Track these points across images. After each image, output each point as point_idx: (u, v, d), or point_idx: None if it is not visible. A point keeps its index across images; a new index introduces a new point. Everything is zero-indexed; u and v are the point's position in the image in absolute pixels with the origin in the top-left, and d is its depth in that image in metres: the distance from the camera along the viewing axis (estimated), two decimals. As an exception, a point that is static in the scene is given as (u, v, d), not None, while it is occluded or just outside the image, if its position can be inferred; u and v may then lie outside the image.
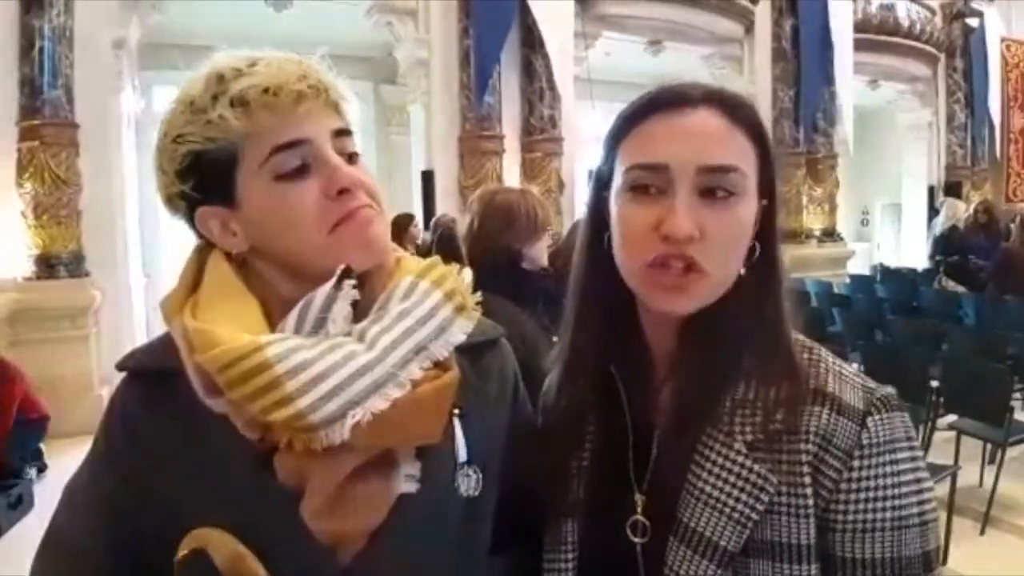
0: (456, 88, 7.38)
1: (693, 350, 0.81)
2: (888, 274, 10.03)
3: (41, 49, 5.45)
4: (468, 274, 0.86)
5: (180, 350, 0.75)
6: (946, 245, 8.26)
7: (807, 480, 0.74)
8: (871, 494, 0.74)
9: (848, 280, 9.58)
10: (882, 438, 0.75)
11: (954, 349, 5.33)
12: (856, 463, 0.74)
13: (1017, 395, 4.63)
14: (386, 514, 0.77)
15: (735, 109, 0.79)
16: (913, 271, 9.89)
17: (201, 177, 0.77)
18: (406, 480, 0.78)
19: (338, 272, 0.75)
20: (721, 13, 9.04)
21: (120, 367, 0.84)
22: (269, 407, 0.69)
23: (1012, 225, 7.59)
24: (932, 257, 8.70)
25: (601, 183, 0.86)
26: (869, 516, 0.73)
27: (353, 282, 0.76)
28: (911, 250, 11.81)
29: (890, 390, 0.79)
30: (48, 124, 5.50)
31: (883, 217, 14.26)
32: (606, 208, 0.84)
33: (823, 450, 0.74)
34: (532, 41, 7.55)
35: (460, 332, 0.81)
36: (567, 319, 0.91)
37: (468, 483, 0.84)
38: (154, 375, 0.81)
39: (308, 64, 0.79)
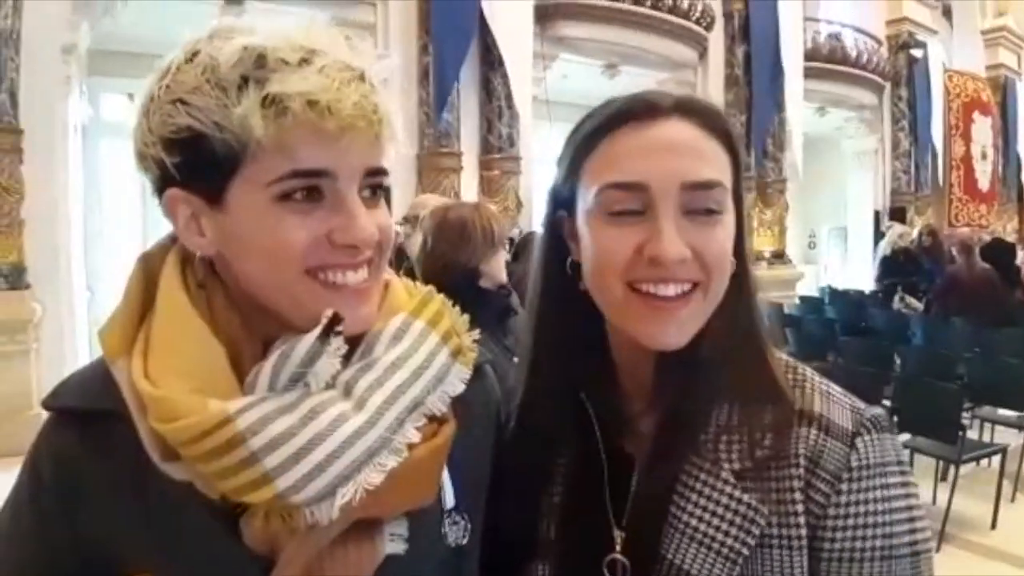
0: (415, 104, 7.33)
1: (672, 373, 0.75)
2: (836, 296, 10.24)
3: (-14, 52, 5.26)
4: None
5: (127, 401, 0.65)
6: (896, 267, 8.47)
7: (799, 508, 0.69)
8: (860, 520, 0.69)
9: (798, 301, 9.75)
10: (872, 460, 0.70)
11: (906, 369, 5.44)
12: (844, 487, 0.69)
13: (967, 414, 4.73)
14: None
15: (709, 117, 0.73)
16: (860, 293, 10.11)
17: (189, 159, 0.63)
18: (392, 540, 0.69)
19: (324, 321, 0.63)
20: (676, 39, 9.21)
21: (48, 406, 0.71)
22: (243, 487, 0.60)
23: (953, 249, 7.82)
24: (879, 280, 8.91)
25: (559, 203, 0.79)
26: (857, 544, 0.68)
27: (341, 331, 0.64)
28: (857, 272, 12.09)
29: (879, 411, 0.74)
30: (-10, 129, 5.30)
31: (830, 240, 14.60)
32: (565, 230, 0.78)
33: (811, 473, 0.70)
34: (491, 59, 7.58)
35: (458, 381, 0.72)
36: (525, 348, 0.85)
37: (456, 531, 0.75)
38: (91, 416, 0.68)
39: (369, 82, 0.64)
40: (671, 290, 0.70)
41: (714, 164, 0.72)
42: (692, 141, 0.72)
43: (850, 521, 0.69)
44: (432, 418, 0.69)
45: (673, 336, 0.72)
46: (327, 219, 0.64)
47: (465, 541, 0.76)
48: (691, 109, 0.73)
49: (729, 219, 0.73)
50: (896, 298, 8.27)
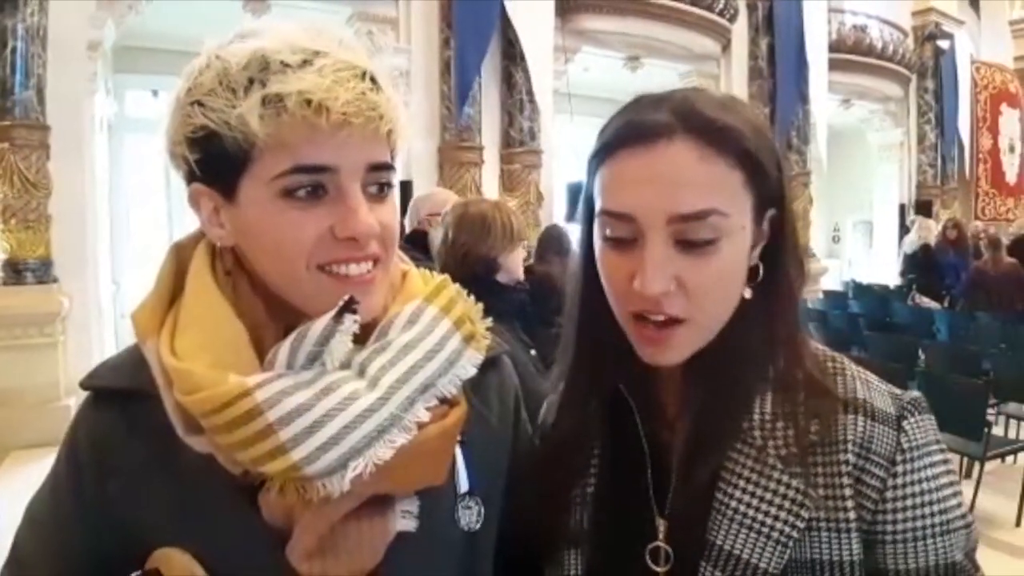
0: (436, 98, 7.35)
1: (700, 375, 0.76)
2: (861, 290, 10.14)
3: (13, 49, 5.32)
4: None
5: (156, 378, 0.68)
6: (919, 263, 8.36)
7: (847, 492, 0.70)
8: (918, 499, 0.71)
9: (822, 296, 9.67)
10: (920, 441, 0.73)
11: (930, 364, 5.37)
12: (899, 468, 0.71)
13: (992, 410, 4.67)
14: (382, 555, 0.70)
15: (714, 134, 0.69)
16: (885, 287, 10.00)
17: (206, 156, 0.67)
18: (403, 517, 0.72)
19: (340, 303, 0.66)
20: (699, 30, 9.14)
21: (85, 386, 0.76)
22: (260, 457, 0.63)
23: (981, 243, 7.71)
24: (903, 274, 8.81)
25: (591, 207, 0.80)
26: (919, 523, 0.71)
27: (356, 317, 0.67)
28: (882, 267, 11.96)
29: (917, 394, 0.76)
30: (18, 125, 5.36)
31: (854, 234, 14.45)
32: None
33: (863, 459, 0.71)
34: (513, 53, 7.57)
35: (470, 365, 0.74)
36: (568, 340, 0.86)
37: (469, 516, 0.77)
38: (124, 395, 0.73)
39: (370, 80, 0.67)
40: (661, 316, 0.72)
41: (710, 190, 0.69)
42: (684, 169, 0.69)
43: (908, 501, 0.71)
44: (444, 400, 0.71)
45: (668, 357, 0.74)
46: (330, 214, 0.68)
47: (478, 527, 0.78)
48: (694, 126, 0.70)
49: (728, 244, 0.71)
50: (908, 298, 8.18)
